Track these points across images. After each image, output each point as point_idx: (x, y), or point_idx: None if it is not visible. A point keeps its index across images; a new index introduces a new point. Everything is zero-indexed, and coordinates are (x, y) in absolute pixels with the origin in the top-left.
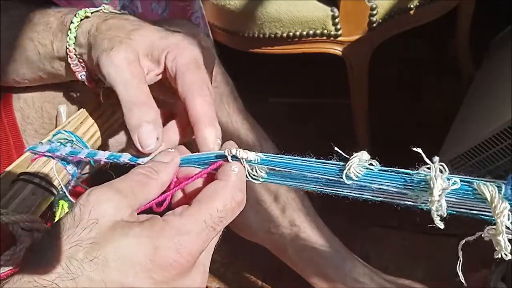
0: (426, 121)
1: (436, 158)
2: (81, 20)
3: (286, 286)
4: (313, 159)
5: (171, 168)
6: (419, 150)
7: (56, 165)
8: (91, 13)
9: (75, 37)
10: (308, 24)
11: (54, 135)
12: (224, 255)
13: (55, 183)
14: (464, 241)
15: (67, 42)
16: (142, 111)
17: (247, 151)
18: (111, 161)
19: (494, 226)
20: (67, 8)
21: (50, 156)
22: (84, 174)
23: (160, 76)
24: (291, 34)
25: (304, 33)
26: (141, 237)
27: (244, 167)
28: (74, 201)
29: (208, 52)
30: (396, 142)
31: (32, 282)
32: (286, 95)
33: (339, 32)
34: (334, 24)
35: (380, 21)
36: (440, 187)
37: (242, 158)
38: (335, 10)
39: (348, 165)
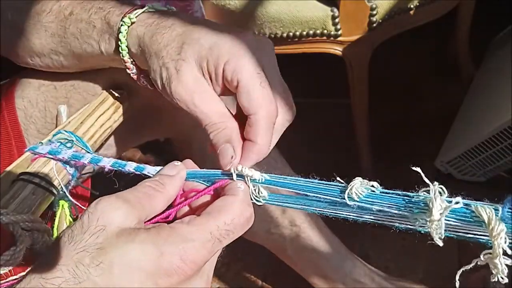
0: (426, 121)
1: (436, 184)
2: (128, 27)
3: (286, 286)
4: (316, 180)
5: (177, 182)
6: (419, 169)
7: (56, 165)
8: (136, 16)
9: (127, 47)
10: (308, 24)
11: (54, 135)
12: (224, 255)
13: (55, 183)
14: (461, 270)
15: (120, 53)
16: (221, 130)
17: (252, 169)
18: (115, 169)
19: (490, 250)
20: (104, 1)
21: (51, 158)
22: (84, 174)
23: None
24: (291, 34)
25: (304, 33)
26: (146, 243)
27: (248, 186)
28: (74, 201)
29: (265, 45)
30: (396, 142)
31: (40, 287)
32: None
33: (339, 32)
34: (334, 24)
35: (380, 21)
36: (439, 207)
37: (247, 176)
38: (335, 10)
39: (350, 185)
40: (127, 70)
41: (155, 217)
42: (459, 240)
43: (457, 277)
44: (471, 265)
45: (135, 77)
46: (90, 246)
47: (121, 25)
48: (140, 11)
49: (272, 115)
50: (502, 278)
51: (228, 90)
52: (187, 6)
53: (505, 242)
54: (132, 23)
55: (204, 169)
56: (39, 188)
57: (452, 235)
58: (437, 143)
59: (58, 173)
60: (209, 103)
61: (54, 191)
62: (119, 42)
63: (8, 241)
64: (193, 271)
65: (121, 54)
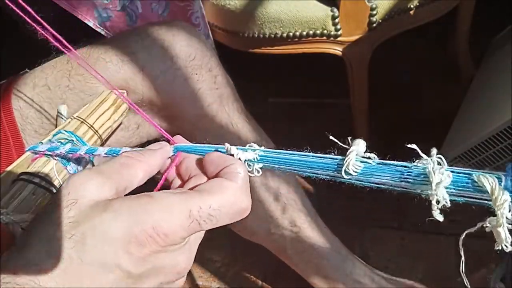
0: (426, 121)
1: (434, 151)
2: None
3: (286, 286)
4: (311, 154)
5: (159, 153)
6: (414, 146)
7: (57, 165)
8: None
9: None
10: (308, 24)
11: (54, 135)
12: (224, 255)
13: (56, 183)
14: (464, 234)
15: None
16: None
17: (246, 152)
18: (110, 156)
19: (494, 218)
20: None
21: (49, 155)
22: None
23: None
24: (291, 34)
25: (304, 33)
26: (120, 211)
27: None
28: None
29: None
30: (396, 142)
31: (15, 259)
32: (286, 95)
33: (339, 32)
34: (334, 24)
35: (380, 21)
36: (439, 179)
37: (242, 159)
38: (335, 10)
39: (346, 161)
40: None
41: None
42: (459, 240)
43: (462, 273)
44: (475, 228)
45: None
46: (62, 220)
47: None
48: None
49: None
50: (506, 246)
51: None
52: (187, 6)
53: (510, 211)
54: None
55: (197, 144)
56: (39, 188)
57: (455, 199)
58: (437, 143)
59: (59, 173)
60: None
61: (55, 191)
62: None
63: (8, 241)
64: (165, 242)
65: None
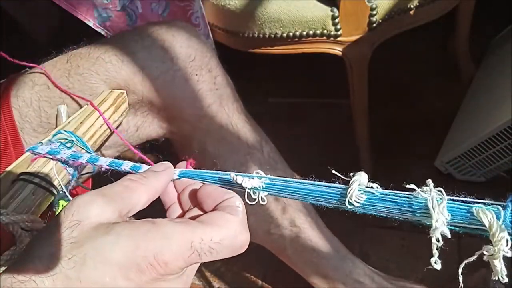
0: (426, 121)
1: (431, 185)
2: None
3: (286, 286)
4: (316, 182)
5: (163, 176)
6: (414, 186)
7: (56, 165)
8: None
9: None
10: (308, 24)
11: (54, 135)
12: None
13: (55, 183)
14: (464, 263)
15: None
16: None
17: (251, 179)
18: (112, 168)
19: (492, 248)
20: None
21: (50, 158)
22: (84, 174)
23: None
24: (291, 34)
25: (304, 33)
26: (122, 236)
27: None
28: None
29: None
30: (396, 142)
31: (11, 278)
32: (286, 95)
33: (339, 32)
34: (334, 24)
35: (380, 21)
36: (438, 218)
37: (247, 188)
38: (335, 10)
39: (349, 192)
40: None
41: None
42: (459, 240)
43: (460, 271)
44: (473, 258)
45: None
46: (64, 240)
47: None
48: None
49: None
50: (502, 278)
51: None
52: (187, 6)
53: (507, 245)
54: None
55: (200, 170)
56: (39, 188)
57: (454, 229)
58: (437, 143)
59: (58, 173)
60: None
61: (54, 191)
62: None
63: (8, 241)
64: (165, 271)
65: None
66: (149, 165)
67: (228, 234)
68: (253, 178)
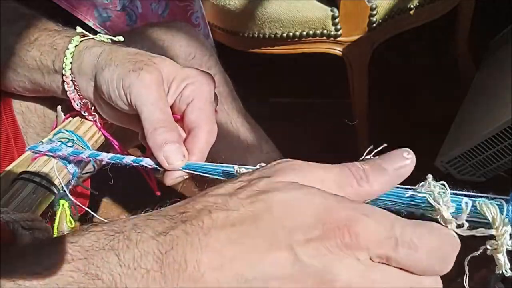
0: (426, 122)
1: (431, 180)
2: (76, 46)
3: None
4: None
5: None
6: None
7: (57, 164)
8: (81, 39)
9: (71, 63)
10: (308, 24)
11: (55, 134)
12: None
13: (56, 182)
14: (469, 257)
15: (63, 69)
16: (167, 131)
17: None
18: (114, 162)
19: (496, 242)
20: (71, 30)
21: (51, 155)
22: (85, 173)
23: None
24: (291, 34)
25: (304, 33)
26: (323, 193)
27: None
28: (74, 201)
29: (218, 81)
30: (395, 142)
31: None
32: (286, 95)
33: (339, 32)
34: (334, 24)
35: (380, 21)
36: (444, 213)
37: None
38: (335, 10)
39: None
40: (65, 86)
41: None
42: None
43: (466, 269)
44: (478, 252)
45: (71, 95)
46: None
47: (70, 42)
48: (90, 37)
49: (214, 132)
50: (506, 271)
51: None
52: (187, 6)
53: (510, 239)
54: (85, 39)
55: (205, 163)
56: (40, 187)
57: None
58: (437, 143)
59: (59, 172)
60: (163, 105)
61: (55, 190)
62: (64, 59)
63: (8, 240)
64: (352, 246)
65: (63, 70)
66: (148, 162)
67: (437, 237)
68: None
